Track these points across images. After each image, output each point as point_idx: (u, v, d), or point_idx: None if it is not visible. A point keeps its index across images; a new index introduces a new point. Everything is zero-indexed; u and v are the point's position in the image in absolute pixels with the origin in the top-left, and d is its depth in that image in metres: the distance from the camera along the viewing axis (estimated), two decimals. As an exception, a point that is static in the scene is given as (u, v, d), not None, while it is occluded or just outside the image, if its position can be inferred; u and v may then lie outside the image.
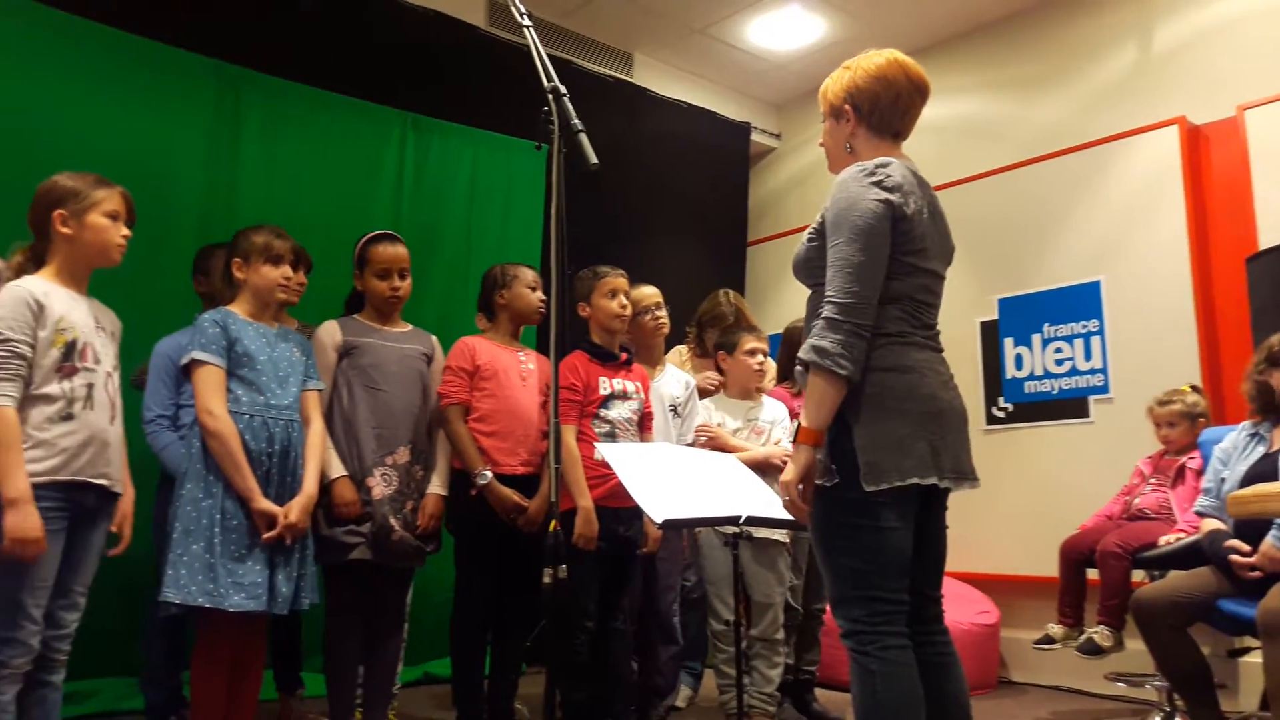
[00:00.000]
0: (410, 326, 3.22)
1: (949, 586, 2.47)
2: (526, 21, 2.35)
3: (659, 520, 2.55)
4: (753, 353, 3.66)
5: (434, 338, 3.25)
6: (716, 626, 3.49)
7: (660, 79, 5.98)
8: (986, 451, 3.50)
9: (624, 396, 3.22)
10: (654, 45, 5.83)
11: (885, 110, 2.15)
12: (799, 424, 2.03)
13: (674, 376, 3.67)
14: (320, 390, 2.91)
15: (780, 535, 3.48)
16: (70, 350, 2.34)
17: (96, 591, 2.50)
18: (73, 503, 2.32)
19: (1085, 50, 5.05)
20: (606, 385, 3.19)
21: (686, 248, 6.01)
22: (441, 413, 3.11)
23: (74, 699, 3.20)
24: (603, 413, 3.16)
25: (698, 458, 3.09)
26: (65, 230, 2.38)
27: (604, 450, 2.81)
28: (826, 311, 1.98)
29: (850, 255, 1.97)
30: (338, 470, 2.90)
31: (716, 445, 3.48)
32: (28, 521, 2.18)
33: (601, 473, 2.98)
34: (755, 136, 6.49)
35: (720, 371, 3.77)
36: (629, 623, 3.26)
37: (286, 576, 2.66)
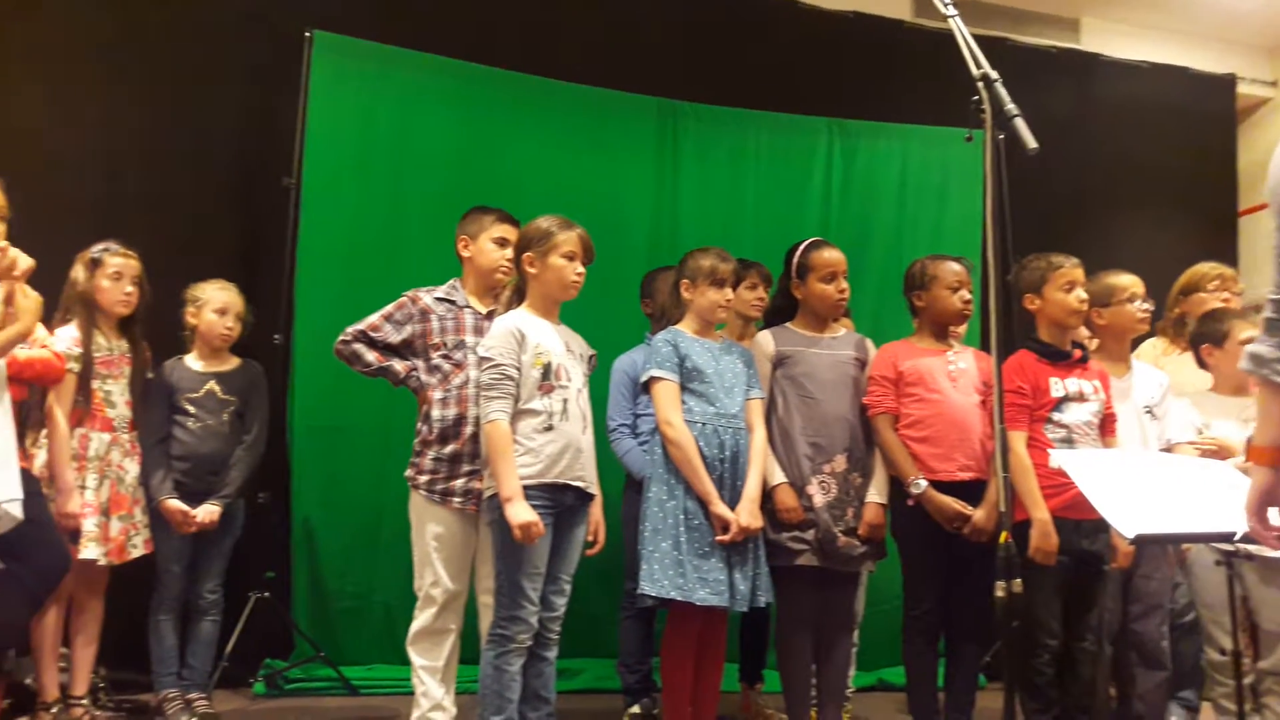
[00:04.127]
0: (844, 331, 3.24)
1: None
2: (951, 11, 2.26)
3: (1129, 535, 2.30)
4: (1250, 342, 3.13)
5: (868, 341, 3.23)
6: (1214, 657, 3.09)
7: (1114, 41, 5.43)
8: None
9: (1080, 398, 2.94)
10: (1105, 6, 5.30)
11: None
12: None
13: (1146, 375, 3.27)
14: (761, 399, 3.04)
15: (1294, 554, 2.95)
16: (547, 371, 2.70)
17: (581, 582, 2.87)
18: (556, 501, 2.69)
19: None
20: (1059, 387, 2.93)
21: (1159, 225, 5.37)
22: (871, 423, 3.09)
23: (565, 675, 3.65)
24: (1056, 416, 2.91)
25: (1179, 465, 2.73)
26: (532, 270, 2.78)
27: (1060, 458, 2.59)
28: (1265, 311, 1.72)
29: None
30: (779, 477, 3.00)
31: (1222, 457, 3.01)
32: (523, 513, 2.56)
33: (1058, 481, 2.75)
34: (1242, 88, 5.64)
35: (1203, 366, 3.29)
36: (1101, 644, 2.97)
37: (743, 575, 2.85)
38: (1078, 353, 3.01)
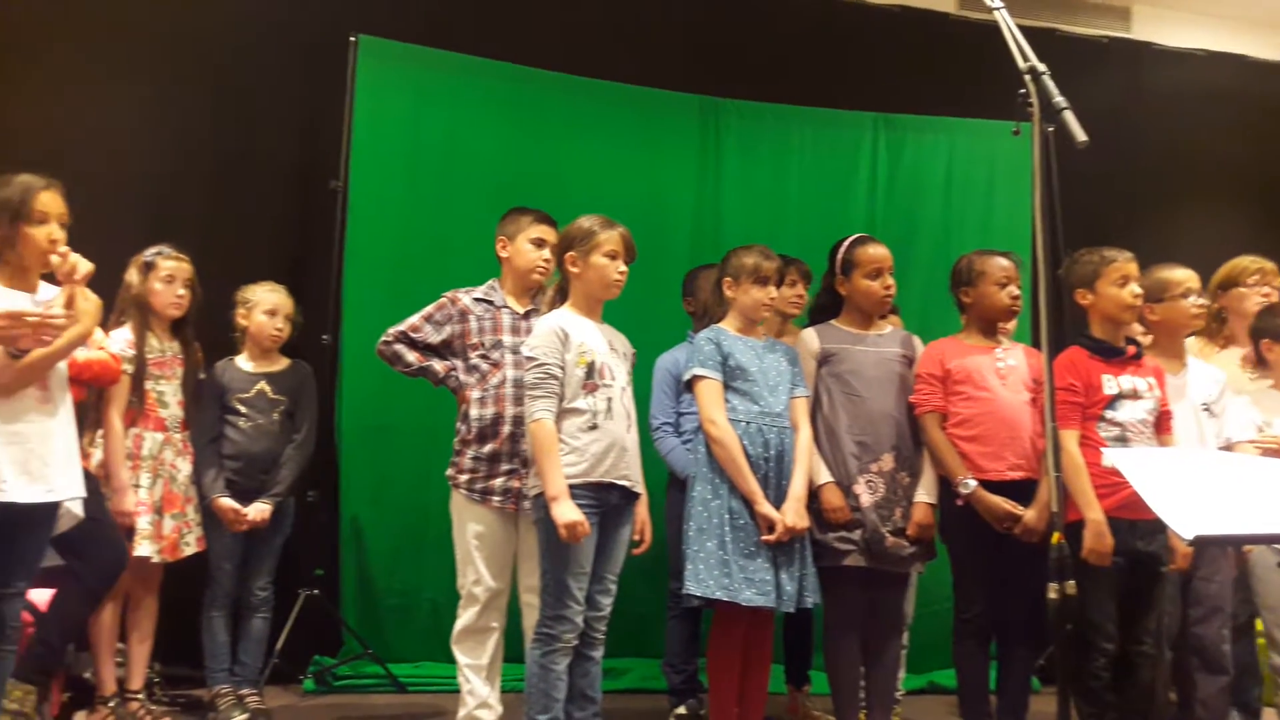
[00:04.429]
0: (890, 328, 3.20)
1: None
2: (997, 3, 2.22)
3: (1188, 536, 2.23)
4: None
5: (915, 338, 3.19)
6: (1277, 661, 3.00)
7: (1167, 29, 5.31)
8: None
9: (1134, 396, 2.88)
10: (1157, -8, 5.18)
11: None
12: None
13: (1203, 372, 3.20)
14: (806, 397, 3.02)
15: (1361, 556, 2.87)
16: (591, 370, 2.71)
17: (626, 581, 2.86)
18: (601, 500, 2.69)
19: None
20: (1112, 384, 2.86)
21: (1215, 218, 5.22)
22: (918, 421, 3.05)
23: (610, 675, 3.64)
24: (1109, 414, 2.85)
25: (1239, 463, 2.65)
26: (574, 269, 2.78)
27: (1113, 456, 2.53)
28: None
29: None
30: (824, 476, 2.98)
31: None
32: (569, 512, 2.56)
33: (1111, 481, 2.69)
34: (1302, 75, 5.46)
35: (1261, 362, 3.20)
36: (1160, 647, 2.90)
37: (790, 575, 2.84)
38: (1131, 349, 2.95)
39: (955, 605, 3.04)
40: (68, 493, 2.51)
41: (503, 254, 3.13)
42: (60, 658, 2.96)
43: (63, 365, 2.53)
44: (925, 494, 3.01)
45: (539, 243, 3.07)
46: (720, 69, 4.57)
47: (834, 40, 4.77)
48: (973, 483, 2.91)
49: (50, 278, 2.54)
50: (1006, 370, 3.03)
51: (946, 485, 3.00)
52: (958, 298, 3.15)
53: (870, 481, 2.98)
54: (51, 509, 2.50)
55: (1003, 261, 3.08)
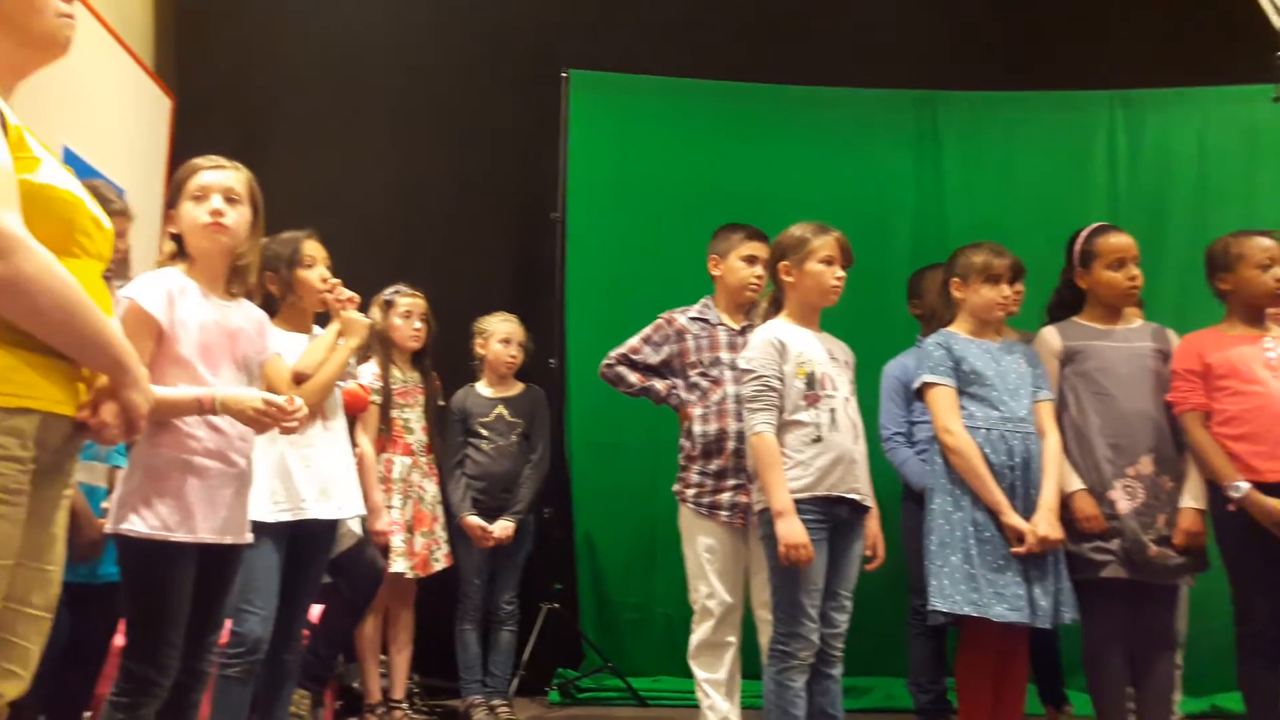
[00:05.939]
0: (1140, 322, 2.97)
1: None
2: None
3: None
4: None
5: (1170, 332, 2.93)
6: None
7: None
8: None
9: None
10: None
11: None
12: None
13: None
14: (1051, 400, 2.85)
15: None
16: (811, 380, 2.65)
17: (864, 597, 2.78)
18: (830, 515, 2.62)
19: None
20: None
21: None
22: (1178, 421, 2.80)
23: (852, 693, 3.54)
24: None
25: None
26: (789, 279, 2.74)
27: None
28: None
29: None
30: (1075, 483, 2.79)
31: None
32: (794, 530, 2.51)
33: None
34: None
35: None
36: None
37: (1044, 590, 2.68)
38: None
39: (1235, 620, 2.76)
40: (352, 510, 2.74)
41: (715, 272, 3.15)
42: (330, 667, 3.21)
43: (336, 392, 2.78)
44: (1192, 500, 2.76)
45: (750, 260, 3.07)
46: (933, 61, 4.39)
47: (1053, 16, 4.46)
48: (1244, 485, 2.63)
49: (322, 321, 2.81)
50: (1278, 361, 2.73)
51: (1216, 490, 2.73)
52: (1214, 286, 2.88)
53: (1128, 487, 2.75)
54: (335, 527, 2.73)
55: (1264, 242, 2.79)
